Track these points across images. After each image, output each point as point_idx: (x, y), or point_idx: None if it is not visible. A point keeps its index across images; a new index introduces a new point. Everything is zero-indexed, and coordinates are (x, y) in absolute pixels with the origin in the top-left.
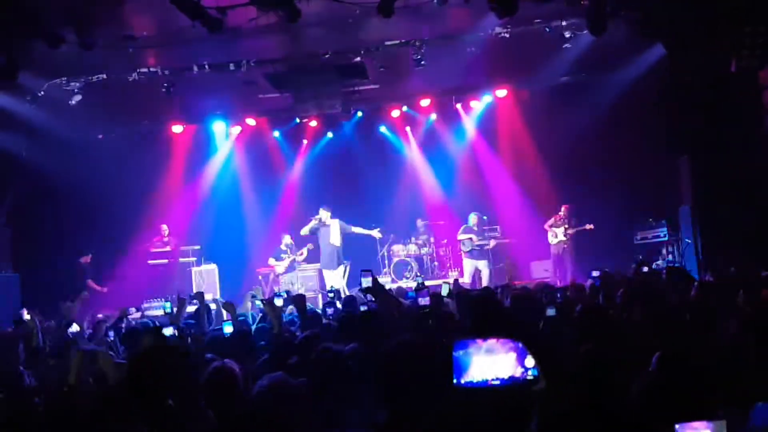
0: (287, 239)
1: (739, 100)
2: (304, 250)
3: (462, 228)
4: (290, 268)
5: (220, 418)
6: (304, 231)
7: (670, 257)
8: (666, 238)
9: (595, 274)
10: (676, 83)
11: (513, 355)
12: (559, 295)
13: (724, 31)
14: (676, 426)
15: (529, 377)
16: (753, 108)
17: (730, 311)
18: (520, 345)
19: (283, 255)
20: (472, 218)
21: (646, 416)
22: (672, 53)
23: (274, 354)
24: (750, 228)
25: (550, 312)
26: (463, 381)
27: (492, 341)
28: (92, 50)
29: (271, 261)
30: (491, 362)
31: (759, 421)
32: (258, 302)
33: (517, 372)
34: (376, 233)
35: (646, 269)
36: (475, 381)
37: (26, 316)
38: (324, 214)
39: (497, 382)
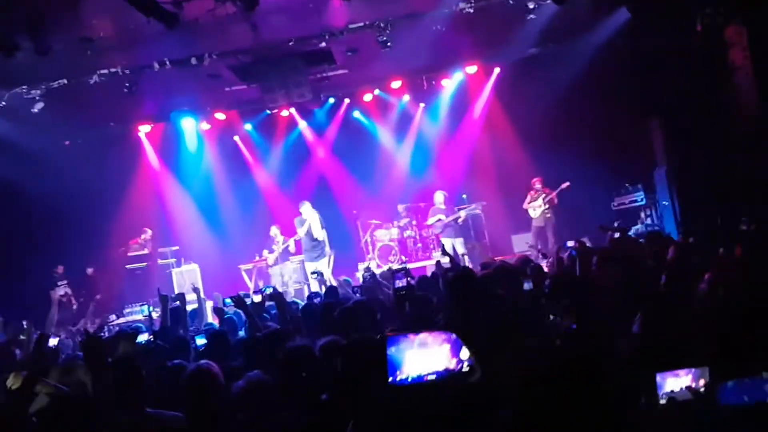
0: (275, 230)
1: (706, 58)
2: (292, 241)
3: (430, 210)
4: (282, 258)
5: (201, 418)
6: (300, 233)
7: (649, 221)
8: (643, 202)
9: (570, 243)
10: (643, 46)
11: (446, 347)
12: (529, 269)
13: None
14: (657, 375)
15: (464, 369)
16: (720, 66)
17: (708, 270)
18: (453, 336)
19: (274, 246)
20: (437, 197)
21: (633, 374)
22: (636, 16)
23: (248, 353)
24: (725, 185)
25: (527, 286)
26: (398, 378)
27: (424, 335)
28: (49, 55)
29: (265, 253)
30: (425, 356)
31: (725, 400)
32: (228, 300)
33: (452, 364)
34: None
35: (617, 235)
36: (409, 378)
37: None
38: (304, 209)
39: (432, 377)
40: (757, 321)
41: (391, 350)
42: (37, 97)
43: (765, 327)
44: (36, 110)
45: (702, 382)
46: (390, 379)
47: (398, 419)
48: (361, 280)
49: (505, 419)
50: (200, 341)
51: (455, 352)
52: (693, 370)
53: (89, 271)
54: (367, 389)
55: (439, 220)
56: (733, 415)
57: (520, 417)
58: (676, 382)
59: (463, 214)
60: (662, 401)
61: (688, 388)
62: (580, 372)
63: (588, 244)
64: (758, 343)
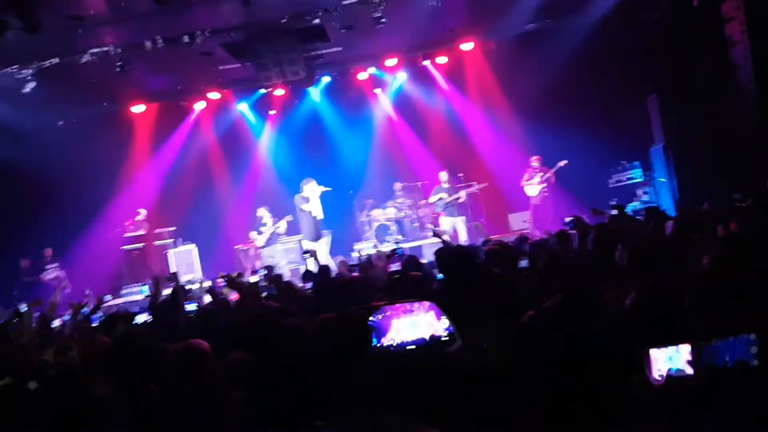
0: (264, 212)
1: (703, 34)
2: (283, 222)
3: (434, 189)
4: (271, 241)
5: (188, 395)
6: (306, 209)
7: (646, 197)
8: (641, 179)
9: (568, 219)
10: (640, 22)
11: (431, 314)
12: (528, 246)
13: None
14: (650, 350)
15: (445, 337)
16: (717, 41)
17: (705, 246)
18: (435, 305)
19: (262, 228)
20: (442, 176)
21: (623, 350)
22: None
23: (239, 332)
24: (723, 161)
25: (523, 263)
26: (382, 344)
27: (410, 303)
28: (39, 34)
29: (252, 235)
30: (410, 324)
31: (706, 361)
32: (220, 280)
33: (436, 331)
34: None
35: (614, 212)
36: (394, 343)
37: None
38: (309, 186)
39: (413, 347)
40: (747, 288)
41: (377, 317)
42: (29, 77)
43: (754, 294)
44: (28, 90)
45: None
46: (374, 343)
47: (380, 384)
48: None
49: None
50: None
51: (438, 319)
52: (688, 345)
53: (47, 252)
54: (352, 361)
55: (441, 198)
56: (714, 376)
57: (514, 392)
58: (672, 357)
59: (463, 194)
60: (658, 377)
61: (688, 362)
62: (568, 347)
63: (586, 221)
64: (744, 308)
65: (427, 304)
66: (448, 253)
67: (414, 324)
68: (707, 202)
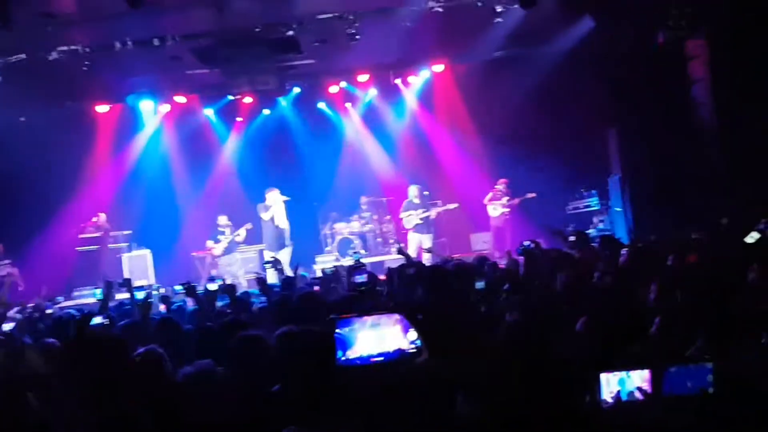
0: (223, 219)
1: (667, 70)
2: (242, 231)
3: (404, 204)
4: (228, 249)
5: (145, 402)
6: (267, 216)
7: (601, 225)
8: (597, 207)
9: (527, 243)
10: (605, 55)
11: (398, 328)
12: (486, 267)
13: (651, 2)
14: (601, 375)
15: (411, 350)
16: (680, 78)
17: (656, 275)
18: (403, 318)
19: (220, 237)
20: (412, 191)
21: (575, 372)
22: (600, 25)
23: (200, 341)
24: (677, 195)
25: (479, 285)
26: (347, 357)
27: (377, 316)
28: (9, 29)
29: (209, 243)
30: (377, 336)
31: (669, 389)
32: (178, 287)
33: (404, 344)
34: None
35: (574, 237)
36: (359, 357)
37: None
38: (271, 195)
39: (381, 359)
40: (702, 317)
41: (344, 330)
42: None
43: (709, 321)
44: None
45: (648, 383)
46: (339, 359)
47: (345, 399)
48: (318, 273)
49: (460, 406)
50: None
51: (405, 332)
52: (642, 371)
53: None
54: (315, 375)
55: (410, 215)
56: (677, 404)
57: (470, 404)
58: (623, 382)
59: (434, 212)
60: (609, 401)
61: (638, 388)
62: (523, 363)
63: (543, 246)
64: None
65: (394, 317)
66: (413, 269)
67: (380, 337)
68: (659, 233)
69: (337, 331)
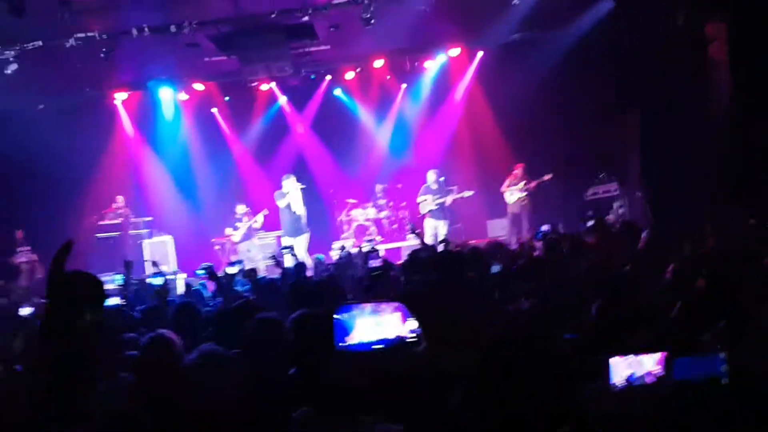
0: (241, 208)
1: (686, 53)
2: (259, 217)
3: (421, 189)
4: (246, 236)
5: (154, 390)
6: (283, 203)
7: (621, 211)
8: (617, 193)
9: (545, 228)
10: (624, 38)
11: (398, 315)
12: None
13: None
14: (609, 360)
15: (411, 338)
16: (699, 61)
17: (674, 260)
18: (402, 306)
19: (238, 224)
20: (430, 176)
21: (586, 357)
22: (620, 7)
23: (217, 324)
24: (698, 180)
25: (495, 269)
26: (346, 343)
27: (377, 303)
28: (24, 16)
29: (228, 231)
30: (376, 323)
31: (678, 375)
32: (200, 271)
33: (402, 332)
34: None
35: (590, 224)
36: (359, 343)
37: None
38: (288, 182)
39: (381, 346)
40: (716, 307)
41: (343, 316)
42: (11, 59)
43: (724, 312)
44: (9, 72)
45: (660, 366)
46: (338, 344)
47: (345, 385)
48: (335, 258)
49: (455, 398)
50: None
51: (404, 320)
52: (653, 355)
53: (18, 233)
54: (318, 360)
55: (426, 200)
56: (686, 390)
57: (468, 395)
58: (634, 366)
59: (449, 198)
60: (618, 385)
61: (649, 373)
62: (528, 351)
63: (561, 231)
64: (715, 327)
65: (394, 304)
66: (437, 256)
67: (379, 324)
68: (679, 219)
69: (336, 316)
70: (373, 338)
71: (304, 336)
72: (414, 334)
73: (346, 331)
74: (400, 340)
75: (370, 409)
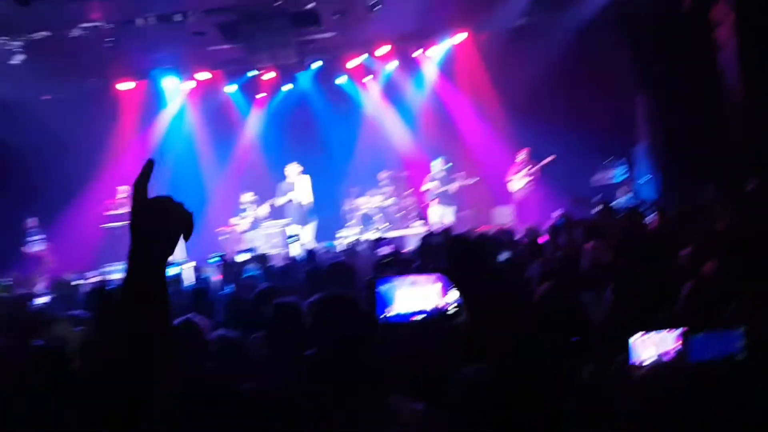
0: (247, 197)
1: (692, 36)
2: (265, 206)
3: (428, 176)
4: (253, 225)
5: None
6: (281, 201)
7: (628, 196)
8: (624, 177)
9: (556, 214)
10: (631, 21)
11: (438, 286)
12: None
13: None
14: (630, 340)
15: (451, 310)
16: (706, 44)
17: (689, 241)
18: (444, 277)
19: (243, 213)
20: (436, 164)
21: (606, 338)
22: None
23: (231, 311)
24: (706, 163)
25: (504, 256)
26: (387, 315)
27: (416, 276)
28: (29, 6)
29: (233, 220)
30: (415, 294)
31: (695, 356)
32: (213, 260)
33: (441, 303)
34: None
35: (601, 207)
36: (399, 314)
37: None
38: (291, 171)
39: (420, 317)
40: (733, 287)
41: (383, 288)
42: (17, 49)
43: (741, 291)
44: (17, 62)
45: (678, 343)
46: (380, 315)
47: (386, 356)
48: (341, 246)
49: (480, 374)
50: None
51: (445, 292)
52: (670, 332)
53: (31, 221)
54: (344, 339)
55: (433, 186)
56: (703, 371)
57: (494, 371)
58: (653, 346)
59: (455, 185)
60: (638, 365)
61: (668, 351)
62: (553, 333)
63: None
64: (732, 304)
65: (435, 275)
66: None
67: (420, 295)
68: (686, 201)
69: (377, 288)
70: (414, 309)
71: (326, 318)
72: (455, 305)
73: (386, 303)
74: (440, 311)
75: (401, 385)
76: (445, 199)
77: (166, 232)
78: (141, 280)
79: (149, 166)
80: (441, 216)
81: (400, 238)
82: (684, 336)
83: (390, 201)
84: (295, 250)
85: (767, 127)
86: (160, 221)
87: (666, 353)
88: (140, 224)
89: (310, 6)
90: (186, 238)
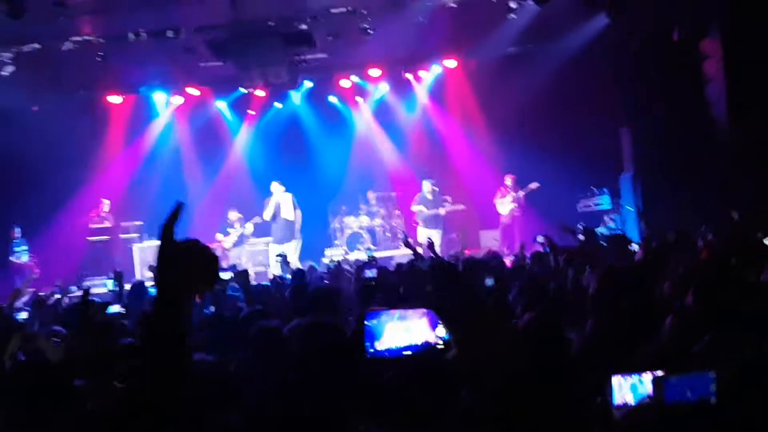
0: (234, 214)
1: (681, 69)
2: (249, 225)
3: (416, 197)
4: (238, 242)
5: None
6: (267, 215)
7: (612, 224)
8: (608, 206)
9: (540, 239)
10: (619, 52)
11: (425, 321)
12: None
13: (667, 0)
14: (612, 378)
15: (440, 344)
16: (694, 77)
17: (669, 273)
18: (432, 312)
19: (230, 230)
20: (425, 186)
21: (585, 373)
22: (615, 22)
23: (215, 330)
24: (690, 195)
25: (489, 282)
26: (376, 349)
27: (404, 310)
28: (22, 19)
29: (219, 236)
30: (404, 329)
31: (670, 397)
32: None
33: (430, 338)
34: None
35: (584, 235)
36: (389, 349)
37: None
38: (276, 189)
39: (409, 352)
40: (710, 323)
41: (372, 322)
42: (8, 60)
43: (716, 330)
44: (5, 73)
45: (654, 385)
46: (368, 350)
47: (374, 391)
48: (327, 265)
49: (465, 401)
50: None
51: (433, 327)
52: (650, 373)
53: (14, 231)
54: (328, 369)
55: (421, 210)
56: (677, 412)
57: (480, 401)
58: (635, 386)
59: (442, 211)
60: (621, 404)
61: (649, 394)
62: (535, 366)
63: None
64: (707, 345)
65: (421, 310)
66: (441, 265)
67: (408, 330)
68: (673, 232)
69: (365, 322)
70: (402, 344)
71: (312, 345)
72: (443, 341)
73: (374, 337)
74: (428, 346)
75: (401, 417)
76: (432, 222)
77: (190, 277)
78: (164, 320)
79: (178, 209)
80: (428, 238)
81: (387, 259)
82: (660, 378)
83: (378, 221)
84: (278, 270)
85: (753, 161)
86: (187, 266)
87: (647, 396)
88: (167, 267)
89: (303, 27)
90: (210, 287)
